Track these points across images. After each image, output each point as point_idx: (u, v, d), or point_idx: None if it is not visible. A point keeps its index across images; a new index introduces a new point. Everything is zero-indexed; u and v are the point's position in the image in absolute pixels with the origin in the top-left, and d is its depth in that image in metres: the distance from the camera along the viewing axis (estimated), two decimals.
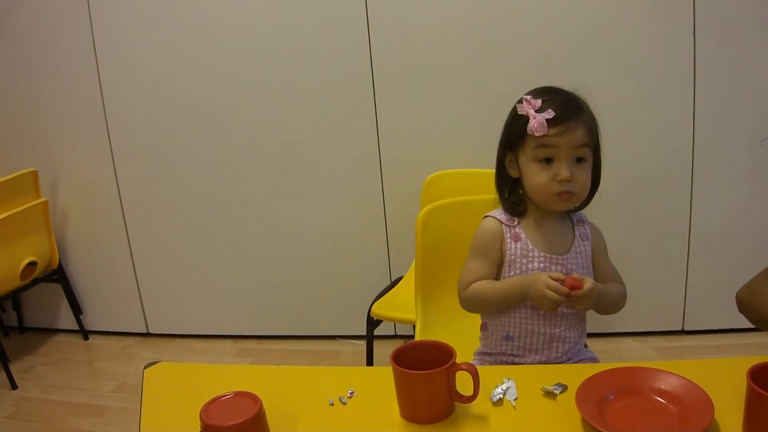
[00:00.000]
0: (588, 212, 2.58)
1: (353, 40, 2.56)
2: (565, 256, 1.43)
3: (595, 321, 2.70)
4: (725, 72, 2.41)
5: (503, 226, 1.44)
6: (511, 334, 1.43)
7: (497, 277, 1.44)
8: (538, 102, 1.37)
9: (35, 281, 2.95)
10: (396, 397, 1.09)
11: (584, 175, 1.38)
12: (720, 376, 1.09)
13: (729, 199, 2.54)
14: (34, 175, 2.86)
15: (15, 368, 2.82)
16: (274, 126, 2.72)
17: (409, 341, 1.17)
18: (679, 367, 1.10)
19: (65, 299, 3.10)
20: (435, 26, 2.51)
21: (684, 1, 2.34)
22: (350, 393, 1.16)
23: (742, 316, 1.44)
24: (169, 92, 2.76)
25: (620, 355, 2.61)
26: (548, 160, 1.36)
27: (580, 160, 1.37)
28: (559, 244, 1.44)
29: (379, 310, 2.21)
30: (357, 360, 2.72)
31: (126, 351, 3.02)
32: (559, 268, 1.40)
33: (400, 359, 1.07)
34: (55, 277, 3.05)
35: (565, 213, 1.48)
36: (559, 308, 1.35)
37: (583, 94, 1.44)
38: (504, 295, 1.40)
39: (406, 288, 2.33)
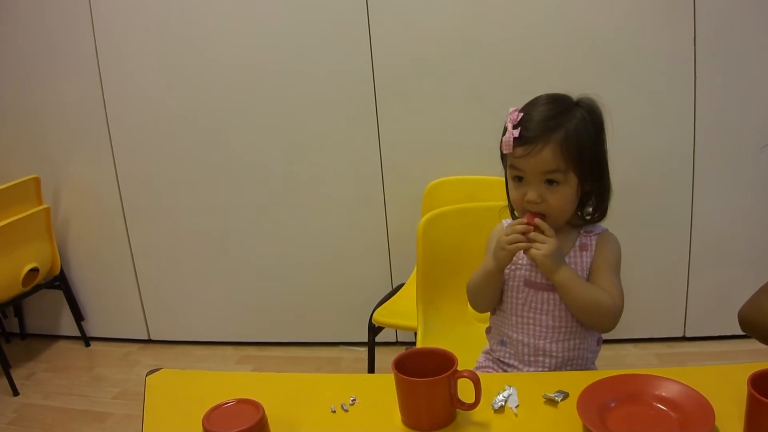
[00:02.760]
0: None
1: (355, 48, 2.57)
2: None
3: None
4: (725, 78, 2.41)
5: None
6: (504, 339, 1.43)
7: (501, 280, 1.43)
8: (518, 115, 1.33)
9: (37, 288, 2.96)
10: (398, 405, 1.10)
11: (556, 198, 1.31)
12: (721, 383, 1.10)
13: (730, 205, 2.54)
14: (36, 181, 2.87)
15: (17, 374, 2.82)
16: (276, 133, 2.73)
17: (411, 348, 1.17)
18: (679, 374, 1.10)
19: (67, 306, 3.11)
20: (436, 35, 2.52)
21: (684, 7, 2.35)
22: (352, 400, 1.16)
23: None
24: (171, 99, 2.77)
25: (621, 361, 2.61)
26: (520, 178, 1.33)
27: (551, 182, 1.30)
28: None
29: (381, 317, 2.21)
30: (358, 367, 2.72)
31: (127, 357, 3.02)
32: (543, 278, 1.36)
33: (401, 366, 1.08)
34: (57, 283, 3.05)
35: (574, 221, 1.42)
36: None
37: (591, 102, 1.40)
38: (483, 270, 1.38)
39: (408, 295, 2.33)
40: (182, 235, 2.94)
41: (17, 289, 2.82)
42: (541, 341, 1.37)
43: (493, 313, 1.48)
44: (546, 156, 1.28)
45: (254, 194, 2.82)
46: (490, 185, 2.35)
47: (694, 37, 2.37)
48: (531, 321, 1.38)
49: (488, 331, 1.51)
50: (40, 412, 2.60)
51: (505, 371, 1.41)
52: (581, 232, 1.41)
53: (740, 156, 2.48)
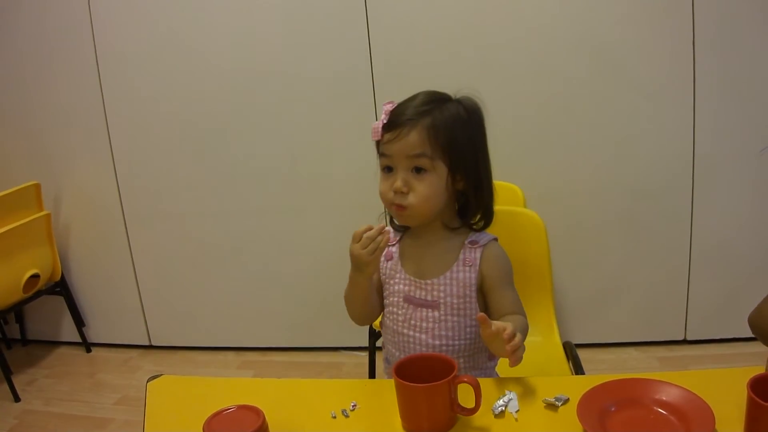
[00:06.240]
0: (590, 222, 2.61)
1: (354, 53, 2.57)
2: (432, 281, 1.33)
3: (597, 331, 2.72)
4: (725, 82, 2.42)
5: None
6: (388, 357, 1.40)
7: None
8: (392, 106, 1.31)
9: (38, 294, 2.96)
10: (398, 410, 1.10)
11: (423, 186, 1.27)
12: (721, 387, 1.10)
13: (730, 208, 2.54)
14: (37, 188, 2.87)
15: (18, 381, 2.82)
16: (276, 138, 2.73)
17: (411, 354, 1.17)
18: (680, 378, 1.10)
19: (68, 312, 3.11)
20: (435, 39, 2.52)
21: (683, 11, 2.36)
22: (353, 406, 1.16)
23: (744, 326, 1.43)
24: (171, 105, 2.78)
25: (623, 365, 2.61)
26: (390, 169, 1.30)
27: (419, 170, 1.27)
28: (433, 267, 1.34)
29: None
30: (359, 372, 2.72)
31: (128, 363, 3.02)
32: (423, 293, 1.32)
33: (402, 372, 1.08)
34: (58, 289, 3.06)
35: (460, 231, 1.36)
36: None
37: (472, 101, 1.35)
38: (351, 280, 1.33)
39: None
40: (183, 241, 2.94)
41: (18, 295, 2.82)
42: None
43: (380, 325, 1.44)
44: (413, 139, 1.26)
45: (254, 200, 2.83)
46: None
47: (693, 42, 2.38)
48: (411, 339, 1.34)
49: (384, 344, 1.47)
50: (41, 419, 2.60)
51: None
52: (466, 243, 1.35)
53: (740, 159, 2.48)
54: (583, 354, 1.76)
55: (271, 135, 2.73)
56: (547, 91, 2.50)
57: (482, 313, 1.14)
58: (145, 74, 2.77)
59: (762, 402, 0.93)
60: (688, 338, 2.69)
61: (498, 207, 1.67)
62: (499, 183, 2.35)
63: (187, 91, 2.75)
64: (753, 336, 1.40)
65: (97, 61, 2.78)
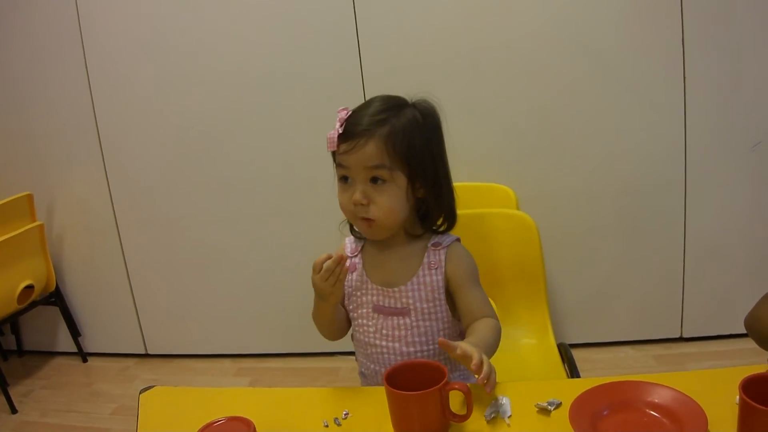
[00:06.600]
0: (583, 223, 2.61)
1: (344, 57, 2.57)
2: (400, 288, 1.31)
3: (592, 331, 2.72)
4: (715, 78, 2.41)
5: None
6: (363, 371, 1.39)
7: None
8: (346, 113, 1.28)
9: (33, 304, 2.95)
10: (390, 418, 1.09)
11: (383, 198, 1.24)
12: (714, 388, 1.09)
13: (723, 205, 2.54)
14: (30, 198, 2.86)
15: (14, 392, 2.82)
16: (269, 143, 2.73)
17: (402, 361, 1.17)
18: (673, 380, 1.10)
19: (63, 322, 3.10)
20: (425, 42, 2.52)
21: (672, 8, 2.36)
22: (345, 414, 1.15)
23: (739, 322, 1.44)
24: (162, 112, 2.77)
25: (619, 363, 2.61)
26: (346, 179, 1.28)
27: (376, 180, 1.25)
28: (399, 273, 1.32)
29: None
30: (355, 376, 2.66)
31: (125, 372, 3.01)
32: (392, 301, 1.30)
33: (393, 380, 1.07)
34: (53, 299, 3.05)
35: (421, 236, 1.35)
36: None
37: (428, 104, 1.32)
38: (317, 302, 1.30)
39: None
40: (177, 248, 2.93)
41: (13, 306, 2.81)
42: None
43: (352, 339, 1.42)
44: (370, 150, 1.23)
45: (249, 206, 2.82)
46: (481, 192, 2.36)
47: (683, 39, 2.38)
48: (384, 350, 1.32)
49: (357, 357, 1.45)
50: (38, 430, 2.59)
51: None
52: (429, 245, 1.33)
53: (732, 155, 2.48)
54: (578, 354, 1.76)
55: (266, 140, 2.72)
56: (539, 93, 2.50)
57: (442, 339, 1.09)
58: (135, 83, 2.76)
59: (754, 404, 0.92)
60: (684, 336, 2.68)
61: (490, 209, 1.67)
62: (491, 185, 2.38)
63: (178, 99, 2.74)
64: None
65: (87, 70, 2.78)
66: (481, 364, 1.06)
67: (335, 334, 1.39)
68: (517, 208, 2.26)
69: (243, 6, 2.60)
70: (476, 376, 1.06)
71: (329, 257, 1.21)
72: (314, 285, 1.24)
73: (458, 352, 1.08)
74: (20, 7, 2.77)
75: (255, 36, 2.62)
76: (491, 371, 1.08)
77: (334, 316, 1.35)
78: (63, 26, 2.75)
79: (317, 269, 1.21)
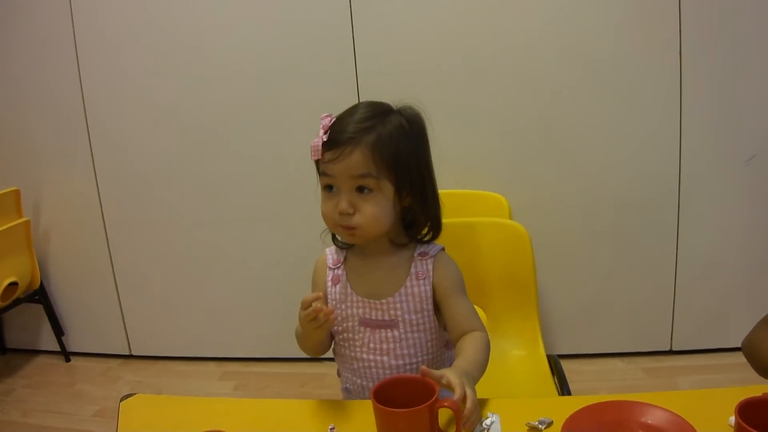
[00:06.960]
0: (576, 234, 2.59)
1: (340, 57, 2.55)
2: (387, 300, 1.27)
3: (582, 343, 2.70)
4: (711, 92, 2.41)
5: (327, 268, 1.34)
6: (348, 386, 1.35)
7: None
8: (330, 120, 1.25)
9: (16, 302, 2.91)
10: None
11: (369, 207, 1.21)
12: (707, 408, 1.07)
13: (716, 218, 2.53)
14: (17, 194, 2.83)
15: None
16: (260, 145, 2.70)
17: (390, 376, 1.14)
18: (666, 400, 1.08)
19: (47, 320, 3.06)
20: (421, 46, 2.50)
21: (669, 20, 2.35)
22: (331, 429, 1.12)
23: (730, 336, 1.43)
24: (153, 111, 2.74)
25: (608, 376, 2.59)
26: (330, 188, 1.25)
27: (362, 189, 1.22)
28: (385, 284, 1.29)
29: None
30: None
31: (108, 373, 2.97)
32: (380, 314, 1.27)
33: (380, 395, 1.04)
34: (37, 297, 3.01)
35: (406, 245, 1.31)
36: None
37: (413, 110, 1.29)
38: (301, 327, 1.24)
39: None
40: (164, 249, 2.90)
41: None
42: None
43: (334, 354, 1.39)
44: (356, 159, 1.20)
45: (238, 208, 2.79)
46: (474, 200, 2.34)
47: (680, 51, 2.36)
48: (371, 364, 1.29)
49: (339, 373, 1.41)
50: (19, 430, 2.55)
51: None
52: (415, 255, 1.30)
53: (727, 168, 2.47)
54: (568, 365, 1.74)
55: (257, 142, 2.70)
56: (534, 100, 2.48)
57: (424, 368, 1.05)
58: (126, 80, 2.73)
59: (750, 429, 0.90)
60: (674, 349, 2.67)
61: (482, 218, 1.64)
62: (485, 193, 2.36)
63: (170, 98, 2.71)
64: (739, 346, 1.39)
65: (78, 65, 2.74)
66: (462, 400, 1.02)
67: (317, 352, 1.35)
68: (510, 217, 2.24)
69: (238, 7, 2.57)
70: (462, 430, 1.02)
71: (318, 297, 1.15)
72: (299, 320, 1.19)
73: (444, 381, 1.04)
74: (11, 2, 2.74)
75: (249, 36, 2.60)
76: (474, 410, 1.03)
77: (319, 341, 1.31)
78: (54, 21, 2.71)
79: (305, 306, 1.16)
